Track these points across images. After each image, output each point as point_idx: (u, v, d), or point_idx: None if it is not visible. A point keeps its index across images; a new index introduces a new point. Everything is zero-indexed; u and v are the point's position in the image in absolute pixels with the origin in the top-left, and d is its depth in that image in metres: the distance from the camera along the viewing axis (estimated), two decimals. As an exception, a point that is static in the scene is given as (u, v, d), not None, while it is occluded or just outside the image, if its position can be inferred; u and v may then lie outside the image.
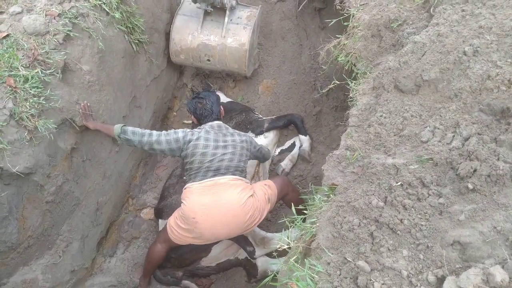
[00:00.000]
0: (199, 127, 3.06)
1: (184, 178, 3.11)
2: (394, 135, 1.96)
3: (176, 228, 2.94)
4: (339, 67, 2.97)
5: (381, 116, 2.06)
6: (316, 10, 4.06)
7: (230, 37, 3.78)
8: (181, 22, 3.84)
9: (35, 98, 2.44)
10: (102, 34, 2.96)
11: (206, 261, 3.55)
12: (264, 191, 3.00)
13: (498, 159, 1.51)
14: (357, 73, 2.61)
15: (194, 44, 3.82)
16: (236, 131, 3.14)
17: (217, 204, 2.76)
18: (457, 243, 1.47)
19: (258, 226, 3.49)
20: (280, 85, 4.49)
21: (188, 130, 2.99)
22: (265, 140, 4.06)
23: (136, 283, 3.49)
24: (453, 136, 1.74)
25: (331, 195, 1.96)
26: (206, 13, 3.79)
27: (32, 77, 2.46)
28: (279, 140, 4.22)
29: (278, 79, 4.53)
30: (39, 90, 2.48)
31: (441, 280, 1.43)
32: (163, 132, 2.94)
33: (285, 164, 3.93)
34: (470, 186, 1.53)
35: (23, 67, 2.46)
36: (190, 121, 4.64)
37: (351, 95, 2.44)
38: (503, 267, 1.31)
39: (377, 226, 1.66)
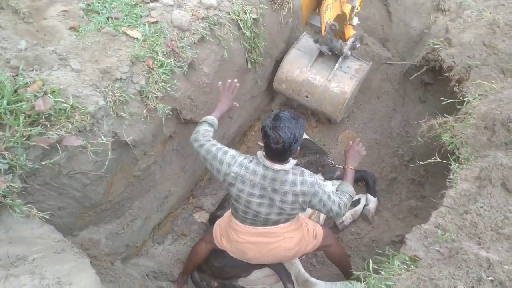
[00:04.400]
0: (255, 162, 2.51)
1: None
2: (492, 230, 1.97)
3: (219, 233, 3.02)
4: (438, 145, 3.00)
5: (481, 207, 2.08)
6: (423, 83, 4.14)
7: (335, 82, 3.93)
8: (294, 55, 4.04)
9: (163, 83, 2.68)
10: (229, 46, 3.20)
11: (243, 281, 3.58)
12: (313, 228, 3.06)
13: None
14: (458, 157, 2.64)
15: (299, 78, 4.00)
16: (298, 179, 2.49)
17: (269, 247, 2.81)
18: None
19: (304, 269, 3.52)
20: (361, 140, 4.51)
21: (234, 169, 2.49)
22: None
23: (174, 277, 3.60)
24: (558, 252, 1.73)
25: (411, 266, 1.99)
26: (320, 54, 3.97)
27: (166, 65, 2.70)
28: (346, 192, 4.24)
29: (361, 134, 4.60)
30: (168, 77, 2.72)
31: None
32: (214, 151, 2.56)
33: (346, 216, 3.94)
34: None
35: (162, 53, 2.71)
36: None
37: (451, 176, 2.47)
38: None
39: (458, 311, 1.68)
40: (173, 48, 2.81)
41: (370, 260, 2.09)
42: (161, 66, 2.69)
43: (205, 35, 2.98)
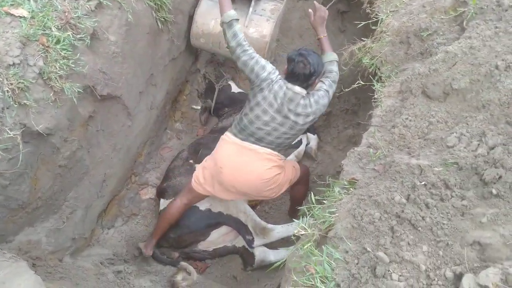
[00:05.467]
0: (280, 79, 2.78)
1: (231, 120, 3.20)
2: (419, 138, 2.03)
3: (202, 171, 3.10)
4: (361, 69, 3.03)
5: (406, 118, 2.13)
6: (339, 12, 4.12)
7: (252, 27, 3.81)
8: (205, 6, 3.86)
9: (64, 60, 2.44)
10: (132, 7, 2.97)
11: (203, 244, 3.58)
12: (291, 172, 3.18)
13: (524, 169, 1.59)
14: (380, 76, 2.68)
15: (216, 30, 3.84)
16: (311, 104, 2.76)
17: (246, 169, 2.92)
18: (477, 243, 1.54)
19: (260, 217, 3.55)
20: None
21: (272, 77, 2.75)
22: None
23: (129, 256, 3.50)
24: (479, 144, 1.81)
25: (351, 189, 2.02)
26: (232, 1, 3.81)
27: (63, 39, 2.46)
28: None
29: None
30: (69, 53, 2.48)
31: (458, 277, 1.50)
32: (255, 57, 2.78)
33: (291, 158, 3.98)
34: (494, 192, 1.61)
35: (56, 28, 2.46)
36: (199, 107, 4.68)
37: (375, 96, 2.51)
38: (522, 269, 1.38)
39: (398, 221, 1.73)
40: (68, 21, 2.55)
41: (312, 193, 2.10)
42: (58, 42, 2.44)
43: (101, 0, 2.73)
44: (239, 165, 2.91)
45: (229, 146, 2.95)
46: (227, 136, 2.98)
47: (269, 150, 2.89)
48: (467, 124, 1.91)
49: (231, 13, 2.83)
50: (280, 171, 2.99)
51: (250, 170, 2.90)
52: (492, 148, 1.76)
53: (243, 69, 2.82)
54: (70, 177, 2.88)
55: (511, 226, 1.51)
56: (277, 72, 2.83)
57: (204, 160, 3.18)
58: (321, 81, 2.88)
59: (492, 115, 1.89)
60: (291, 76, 2.73)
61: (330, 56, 2.96)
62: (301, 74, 2.68)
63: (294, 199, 3.55)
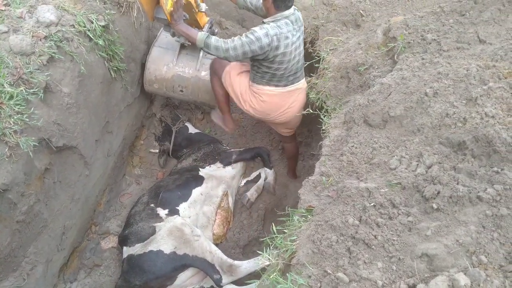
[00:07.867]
0: (278, 20, 2.92)
1: (256, 76, 3.20)
2: (365, 163, 2.19)
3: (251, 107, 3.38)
4: (309, 104, 3.22)
5: (352, 146, 2.30)
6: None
7: (204, 71, 3.97)
8: (157, 53, 3.99)
9: (19, 115, 2.46)
10: (84, 59, 3.05)
11: (170, 289, 3.53)
12: None
13: (457, 184, 1.77)
14: (327, 109, 2.87)
15: (168, 75, 3.97)
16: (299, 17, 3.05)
17: (293, 108, 3.30)
18: (425, 255, 1.67)
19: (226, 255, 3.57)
20: (247, 119, 4.70)
21: (271, 33, 2.83)
22: (232, 170, 4.20)
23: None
24: (417, 164, 1.99)
25: (309, 216, 2.13)
26: (182, 47, 3.97)
27: (16, 95, 2.49)
28: (245, 172, 4.37)
29: (246, 115, 4.74)
30: (23, 107, 2.51)
31: (412, 288, 1.62)
32: (244, 43, 2.85)
33: (251, 194, 4.07)
34: (435, 206, 1.77)
35: (8, 84, 2.49)
36: (156, 150, 4.71)
37: (323, 128, 2.68)
38: (465, 274, 1.52)
39: (354, 242, 1.85)
40: (20, 76, 2.59)
41: (273, 224, 2.19)
42: (11, 97, 2.47)
43: (53, 55, 2.79)
44: (289, 109, 3.26)
45: (275, 98, 3.20)
46: (270, 90, 3.18)
47: (302, 81, 3.26)
48: (406, 147, 2.09)
49: (200, 36, 3.00)
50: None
51: (297, 105, 3.28)
52: (430, 167, 1.94)
53: (247, 58, 2.97)
54: (28, 232, 2.81)
55: (453, 236, 1.66)
56: (269, 26, 2.88)
57: (250, 102, 3.36)
58: None
59: (426, 137, 2.09)
60: (280, 5, 2.86)
61: None
62: None
63: (291, 156, 3.98)
